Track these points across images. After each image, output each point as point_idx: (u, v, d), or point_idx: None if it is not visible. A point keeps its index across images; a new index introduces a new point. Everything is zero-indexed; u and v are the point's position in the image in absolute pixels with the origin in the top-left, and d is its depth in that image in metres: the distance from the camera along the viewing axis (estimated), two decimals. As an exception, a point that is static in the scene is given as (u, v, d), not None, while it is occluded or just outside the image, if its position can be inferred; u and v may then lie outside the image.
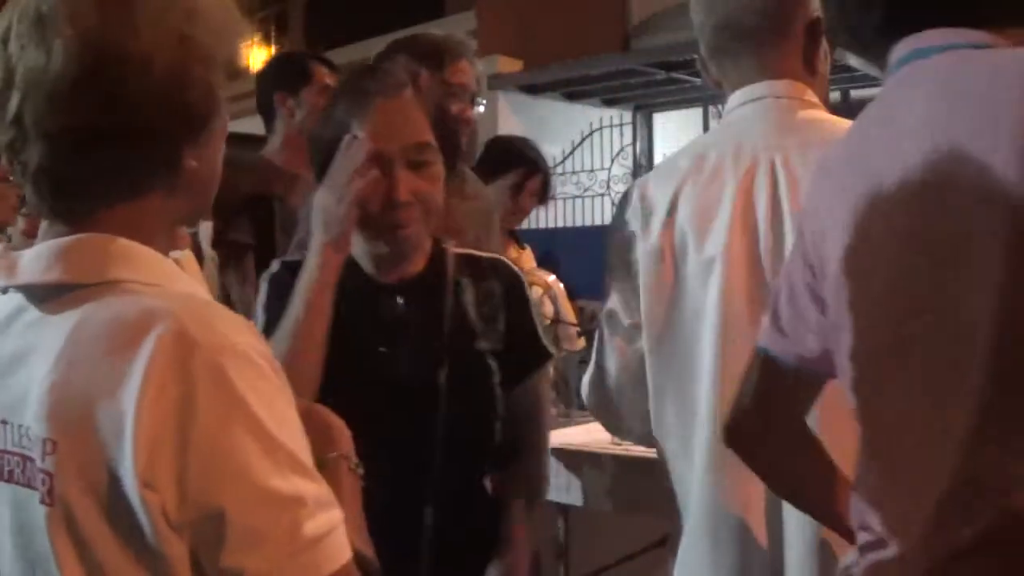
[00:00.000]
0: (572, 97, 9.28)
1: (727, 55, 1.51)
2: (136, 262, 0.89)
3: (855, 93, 7.08)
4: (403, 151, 1.48)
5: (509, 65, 8.89)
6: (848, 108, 6.03)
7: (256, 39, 13.82)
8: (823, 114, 1.48)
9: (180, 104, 0.89)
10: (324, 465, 0.93)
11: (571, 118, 9.02)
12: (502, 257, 1.72)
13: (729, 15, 1.48)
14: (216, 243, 2.43)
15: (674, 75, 8.36)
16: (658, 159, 8.24)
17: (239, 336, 0.84)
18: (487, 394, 1.56)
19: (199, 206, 1.00)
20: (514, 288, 1.63)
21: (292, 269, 1.51)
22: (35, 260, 0.89)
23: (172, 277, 0.91)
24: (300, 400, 0.91)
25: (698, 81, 7.25)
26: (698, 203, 1.48)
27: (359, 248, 1.55)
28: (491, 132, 5.39)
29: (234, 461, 0.80)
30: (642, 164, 8.83)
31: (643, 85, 8.89)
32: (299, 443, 0.85)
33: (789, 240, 1.38)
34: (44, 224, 0.92)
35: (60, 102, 0.84)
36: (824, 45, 1.50)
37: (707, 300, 1.45)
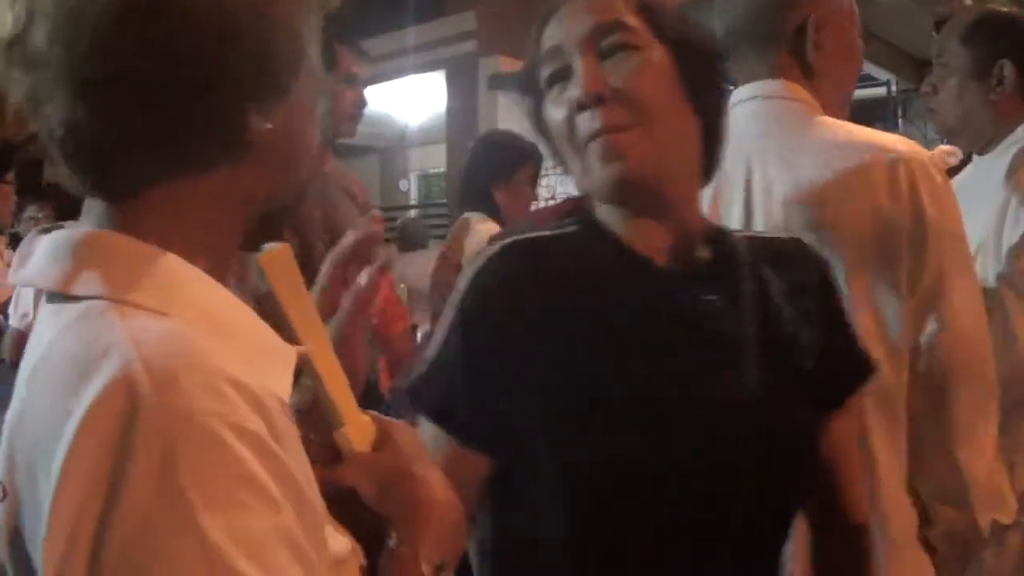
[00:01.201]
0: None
1: (734, 60, 1.55)
2: (144, 275, 0.68)
3: (855, 93, 7.07)
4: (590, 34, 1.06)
5: (509, 65, 8.88)
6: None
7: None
8: (811, 114, 1.49)
9: (252, 50, 0.69)
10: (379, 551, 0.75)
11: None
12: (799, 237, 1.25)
13: (732, 21, 1.55)
14: None
15: (674, 75, 8.35)
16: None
17: (212, 401, 0.60)
18: (811, 425, 1.11)
19: (276, 184, 0.76)
20: (825, 278, 1.18)
21: None
22: (42, 255, 0.72)
23: (190, 300, 0.68)
24: (401, 458, 0.76)
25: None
26: None
27: (613, 215, 1.11)
28: (491, 132, 5.35)
29: None
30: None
31: (643, 85, 8.87)
32: (272, 564, 0.60)
33: None
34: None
35: (98, 41, 0.65)
36: (831, 45, 1.52)
37: None
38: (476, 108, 8.39)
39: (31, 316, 2.71)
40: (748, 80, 1.54)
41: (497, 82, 8.21)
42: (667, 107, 1.04)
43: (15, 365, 2.50)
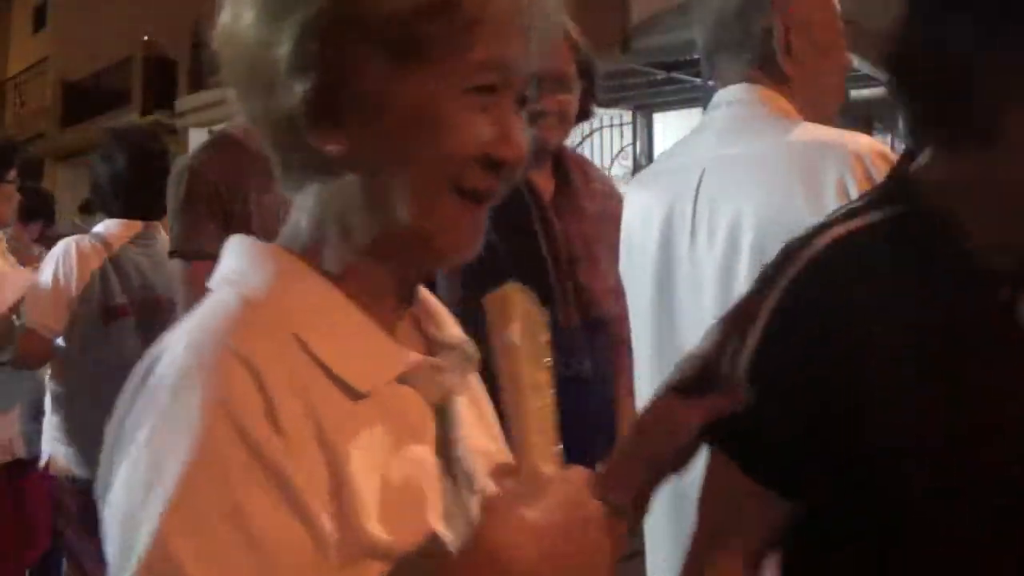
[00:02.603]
0: (572, 97, 9.27)
1: (709, 63, 1.59)
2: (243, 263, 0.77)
3: (855, 93, 7.08)
4: None
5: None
6: (846, 108, 6.02)
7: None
8: (776, 117, 1.51)
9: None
10: None
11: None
12: None
13: (706, 29, 1.58)
14: None
15: (674, 75, 8.37)
16: (658, 159, 8.23)
17: (200, 361, 0.67)
18: None
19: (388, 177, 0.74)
20: None
21: None
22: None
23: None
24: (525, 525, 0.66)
25: (698, 81, 7.25)
26: (632, 218, 1.61)
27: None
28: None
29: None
30: (642, 164, 8.83)
31: (643, 85, 8.89)
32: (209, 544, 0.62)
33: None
34: None
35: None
36: (802, 47, 1.52)
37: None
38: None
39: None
40: (723, 86, 1.57)
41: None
42: None
43: (27, 366, 2.51)
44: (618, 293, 1.79)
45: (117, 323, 2.70)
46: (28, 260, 3.48)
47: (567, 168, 2.06)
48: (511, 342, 0.74)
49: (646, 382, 1.63)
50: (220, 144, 2.08)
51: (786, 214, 1.40)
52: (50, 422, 2.74)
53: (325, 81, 0.70)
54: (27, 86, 19.22)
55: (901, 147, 1.15)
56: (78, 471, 2.66)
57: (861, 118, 6.95)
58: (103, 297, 2.68)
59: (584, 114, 2.05)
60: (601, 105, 2.16)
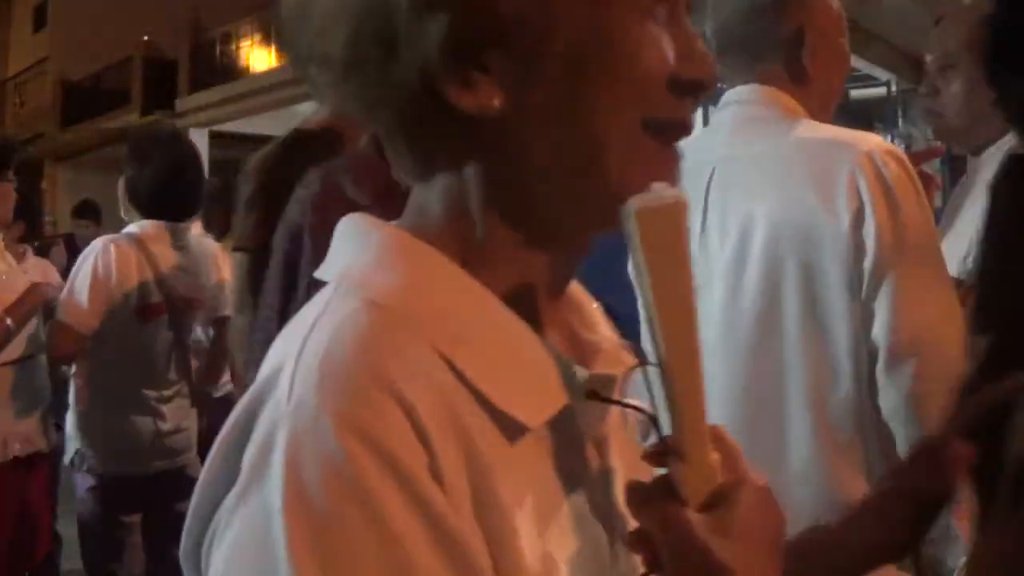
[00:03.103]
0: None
1: (723, 61, 1.56)
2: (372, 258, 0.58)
3: (855, 93, 7.08)
4: None
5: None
6: (846, 108, 6.03)
7: (256, 39, 13.82)
8: (789, 118, 1.50)
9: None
10: None
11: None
12: None
13: (724, 22, 1.55)
14: None
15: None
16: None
17: (343, 402, 0.49)
18: None
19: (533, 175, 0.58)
20: None
21: None
22: None
23: (420, 287, 0.56)
24: (721, 536, 0.55)
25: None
26: None
27: None
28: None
29: None
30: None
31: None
32: None
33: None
34: None
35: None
36: (823, 52, 1.53)
37: None
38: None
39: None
40: (735, 83, 1.56)
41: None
42: None
43: (59, 360, 2.53)
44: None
45: (152, 321, 2.77)
46: (17, 258, 3.51)
47: None
48: (652, 270, 0.55)
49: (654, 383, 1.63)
50: (292, 142, 2.08)
51: (798, 213, 1.40)
52: (78, 419, 2.76)
53: (468, 9, 0.54)
54: (27, 86, 19.22)
55: (901, 146, 1.15)
56: (107, 468, 2.71)
57: (861, 118, 6.95)
58: (140, 295, 2.74)
59: None
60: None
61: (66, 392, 2.92)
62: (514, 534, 0.52)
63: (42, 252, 4.56)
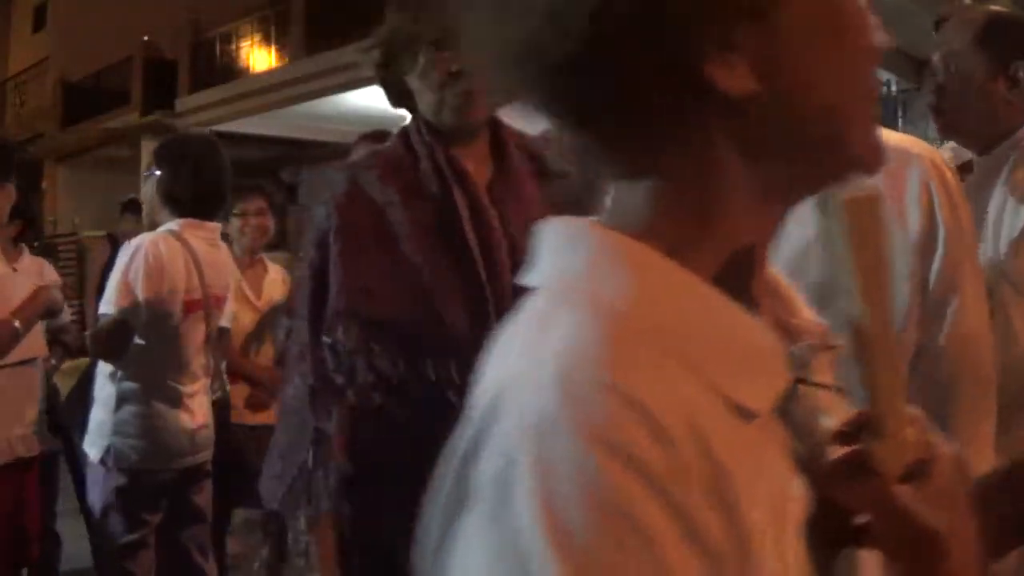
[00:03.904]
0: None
1: None
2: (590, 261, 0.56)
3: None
4: None
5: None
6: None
7: (256, 39, 13.82)
8: None
9: None
10: None
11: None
12: None
13: None
14: None
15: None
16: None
17: (588, 413, 0.48)
18: None
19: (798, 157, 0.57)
20: None
21: None
22: None
23: (646, 297, 0.54)
24: (927, 508, 0.56)
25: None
26: None
27: None
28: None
29: None
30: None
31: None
32: None
33: None
34: None
35: None
36: None
37: None
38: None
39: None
40: None
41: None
42: None
43: (116, 356, 2.53)
44: None
45: (190, 316, 2.82)
46: (13, 257, 3.52)
47: (506, 146, 1.68)
48: (856, 255, 0.58)
49: None
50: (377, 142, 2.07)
51: None
52: (115, 416, 2.76)
53: None
54: (27, 86, 19.22)
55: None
56: (144, 464, 2.73)
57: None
58: (186, 290, 2.79)
59: None
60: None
61: (83, 390, 2.91)
62: (753, 534, 0.51)
63: (43, 252, 4.56)
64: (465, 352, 1.41)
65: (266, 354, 3.57)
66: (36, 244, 4.43)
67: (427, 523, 0.54)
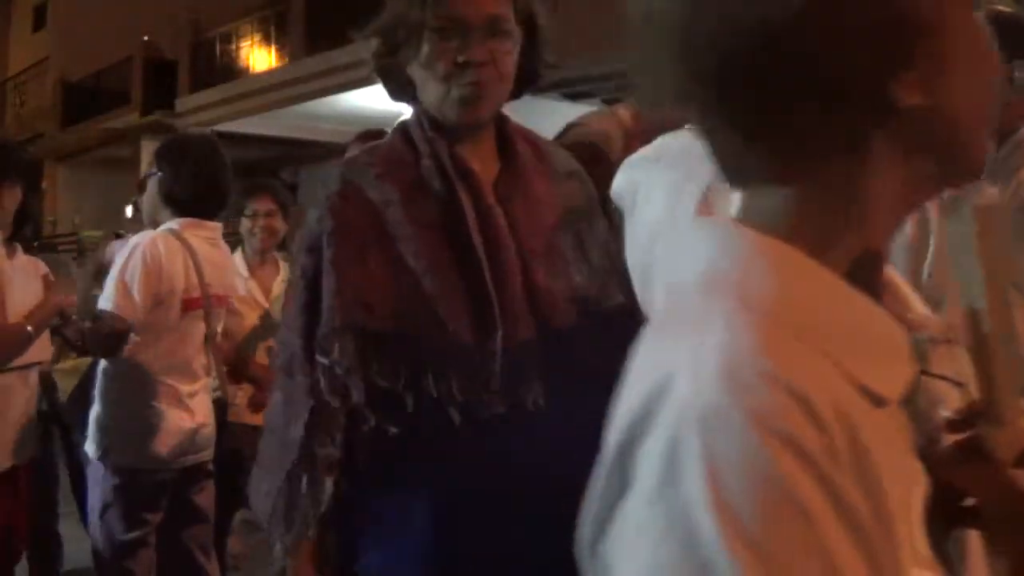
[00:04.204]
0: (573, 97, 9.27)
1: None
2: (740, 265, 0.60)
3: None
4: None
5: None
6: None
7: (256, 39, 13.82)
8: None
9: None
10: None
11: (572, 118, 9.00)
12: None
13: None
14: None
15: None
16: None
17: (755, 403, 0.52)
18: None
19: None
20: None
21: None
22: None
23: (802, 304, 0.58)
24: None
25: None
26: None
27: None
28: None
29: None
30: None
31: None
32: None
33: None
34: None
35: None
36: None
37: None
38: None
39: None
40: None
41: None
42: None
43: (113, 354, 2.51)
44: (584, 301, 1.49)
45: (189, 315, 2.82)
46: (9, 255, 3.52)
47: (513, 143, 1.60)
48: (984, 257, 0.65)
49: None
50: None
51: None
52: (110, 414, 2.76)
53: (907, 10, 0.58)
54: (27, 86, 19.23)
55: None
56: (143, 463, 2.73)
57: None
58: (185, 288, 2.79)
59: (529, 76, 1.61)
60: (601, 105, 2.08)
61: (83, 390, 2.91)
62: (895, 515, 0.54)
63: (45, 252, 4.55)
64: (468, 364, 1.38)
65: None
66: (36, 244, 4.42)
67: (583, 519, 0.57)
